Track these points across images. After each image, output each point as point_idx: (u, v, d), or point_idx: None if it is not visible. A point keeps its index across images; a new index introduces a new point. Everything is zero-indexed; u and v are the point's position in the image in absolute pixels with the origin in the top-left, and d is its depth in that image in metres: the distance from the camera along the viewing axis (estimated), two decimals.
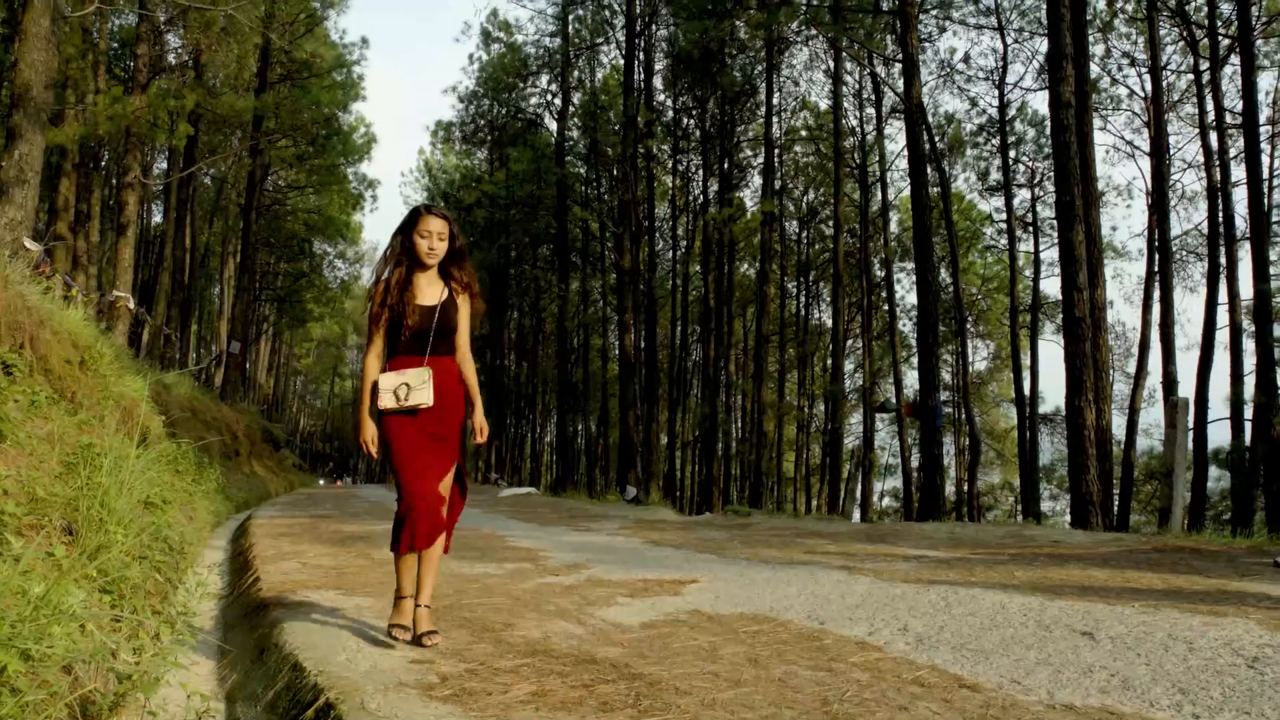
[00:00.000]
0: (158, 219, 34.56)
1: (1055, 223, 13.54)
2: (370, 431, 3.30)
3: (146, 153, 26.13)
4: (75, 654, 2.40)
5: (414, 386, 3.26)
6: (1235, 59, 19.18)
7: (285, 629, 3.50)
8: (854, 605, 4.14)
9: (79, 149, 19.91)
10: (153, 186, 26.86)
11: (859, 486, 27.63)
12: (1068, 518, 13.42)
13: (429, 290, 3.41)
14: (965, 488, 28.20)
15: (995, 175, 28.30)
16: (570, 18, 29.10)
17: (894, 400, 26.86)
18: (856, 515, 26.23)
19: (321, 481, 43.44)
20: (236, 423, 20.79)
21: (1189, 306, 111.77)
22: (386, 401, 3.25)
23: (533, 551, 6.70)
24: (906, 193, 26.84)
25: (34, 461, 4.22)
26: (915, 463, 25.86)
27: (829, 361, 31.20)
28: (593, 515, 11.74)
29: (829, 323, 32.78)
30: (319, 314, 43.89)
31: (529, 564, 5.87)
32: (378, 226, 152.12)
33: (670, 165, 31.75)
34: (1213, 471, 20.11)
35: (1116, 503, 18.12)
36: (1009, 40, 25.37)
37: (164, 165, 30.58)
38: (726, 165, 28.48)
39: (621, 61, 26.78)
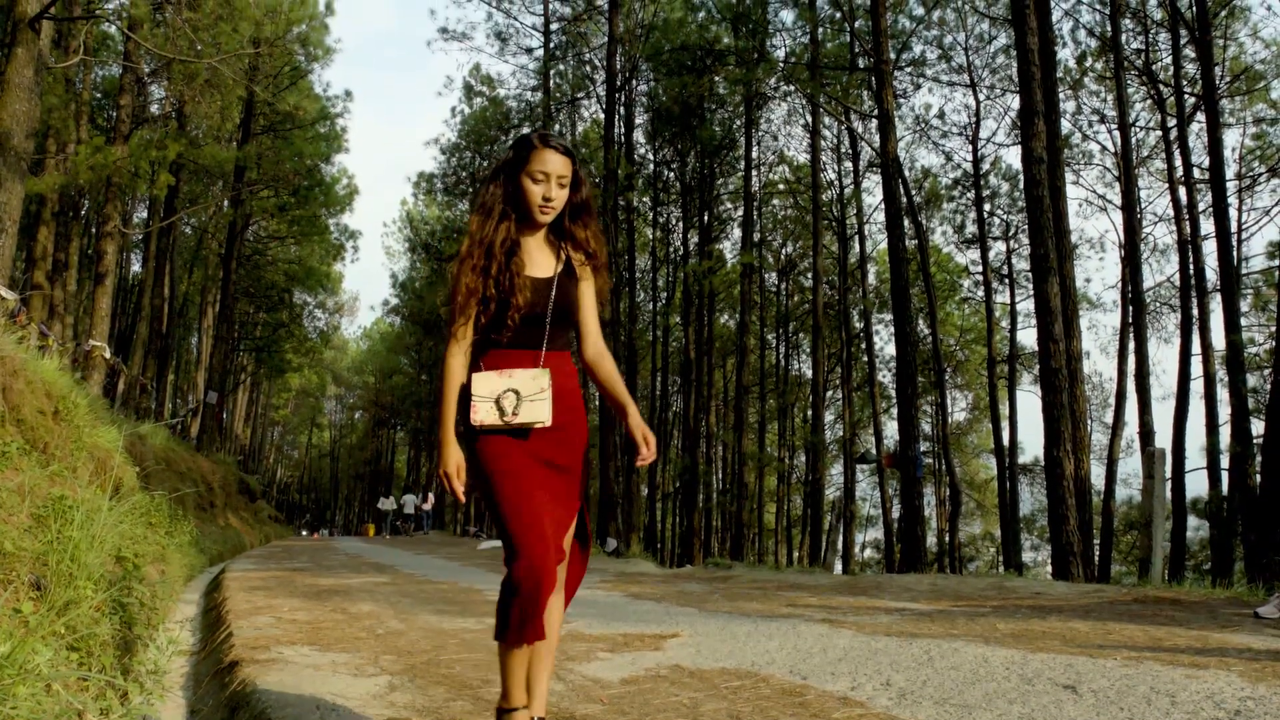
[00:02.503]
0: (136, 268, 34.48)
1: (1030, 275, 13.73)
2: (455, 459, 2.36)
3: (127, 202, 26.18)
4: (40, 715, 2.34)
5: (526, 395, 2.34)
6: (1201, 116, 19.68)
7: (258, 687, 3.43)
8: (836, 659, 4.10)
9: (59, 198, 19.89)
10: (132, 236, 26.82)
11: (840, 538, 27.53)
12: (1049, 568, 13.40)
13: (540, 257, 2.48)
14: (947, 539, 28.14)
15: (971, 228, 28.76)
16: (552, 72, 29.50)
17: (874, 451, 26.93)
18: (838, 567, 26.11)
19: (304, 532, 42.88)
20: (212, 474, 20.53)
21: (1164, 357, 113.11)
22: (485, 416, 2.33)
23: None
24: (884, 245, 27.19)
25: (3, 514, 4.15)
26: (896, 514, 25.82)
27: (809, 412, 31.25)
28: None
29: (809, 374, 32.91)
30: (298, 364, 43.64)
31: None
32: (358, 277, 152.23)
33: (651, 217, 32.05)
34: (1191, 521, 20.21)
35: (1097, 553, 18.14)
36: (981, 97, 25.98)
37: (144, 214, 30.56)
38: (706, 218, 28.77)
39: (602, 115, 27.10)
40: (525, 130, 32.87)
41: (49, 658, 2.66)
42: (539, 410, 2.35)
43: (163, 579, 6.57)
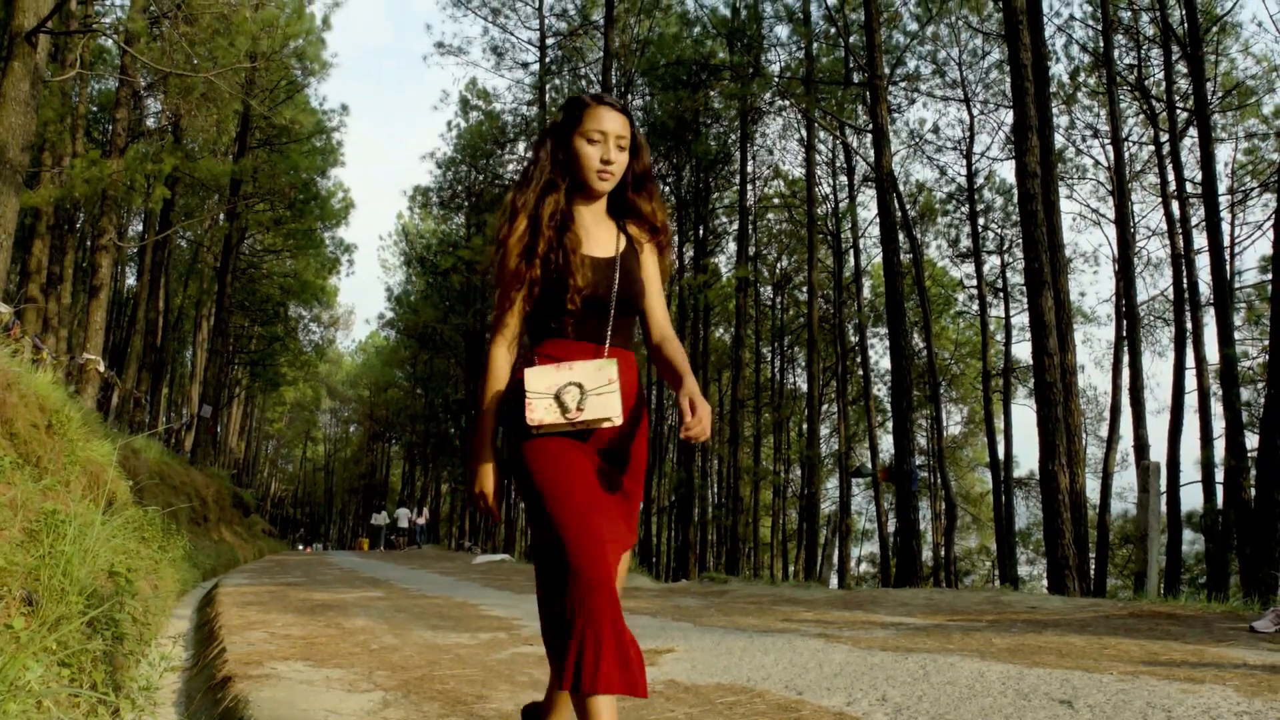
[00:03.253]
0: (131, 281, 34.41)
1: (1025, 289, 13.77)
2: (488, 482, 2.09)
3: (122, 215, 26.17)
4: None
5: (591, 389, 2.01)
6: (1193, 131, 19.80)
7: (250, 704, 3.41)
8: (832, 674, 4.09)
9: (54, 211, 19.88)
10: (127, 249, 26.81)
11: (836, 552, 27.50)
12: (1045, 582, 13.39)
13: (599, 234, 2.16)
14: (942, 552, 28.13)
15: (965, 242, 28.86)
16: (547, 87, 29.62)
17: (870, 465, 26.92)
18: (834, 581, 26.07)
19: (300, 546, 42.73)
20: (206, 488, 20.46)
21: (1158, 370, 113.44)
22: (544, 414, 2.00)
23: (507, 620, 6.59)
24: (879, 259, 27.28)
25: None
26: (892, 527, 25.82)
27: (804, 426, 31.27)
28: None
29: (804, 387, 32.95)
30: (292, 378, 43.60)
31: (503, 633, 5.77)
32: (354, 290, 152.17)
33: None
34: (1187, 535, 20.24)
35: (1093, 567, 18.14)
36: (975, 112, 26.11)
37: (139, 228, 30.55)
38: (702, 231, 28.84)
39: None
40: (520, 145, 33.11)
41: (40, 674, 2.64)
42: (608, 405, 2.01)
43: (156, 594, 6.54)
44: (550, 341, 2.10)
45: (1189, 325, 20.29)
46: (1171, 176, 21.44)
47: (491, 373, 2.12)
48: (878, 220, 17.35)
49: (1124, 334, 22.42)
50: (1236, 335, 18.84)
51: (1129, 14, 22.68)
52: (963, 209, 28.17)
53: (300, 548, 45.18)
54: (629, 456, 2.15)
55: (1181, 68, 20.98)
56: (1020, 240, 17.97)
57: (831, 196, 29.70)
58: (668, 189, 30.29)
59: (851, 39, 22.51)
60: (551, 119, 2.19)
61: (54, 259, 22.09)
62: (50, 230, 20.32)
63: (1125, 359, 21.97)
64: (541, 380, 2.02)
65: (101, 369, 17.96)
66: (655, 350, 2.25)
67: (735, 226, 28.06)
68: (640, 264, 2.19)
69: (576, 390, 2.01)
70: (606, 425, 2.04)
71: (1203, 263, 21.34)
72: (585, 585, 1.83)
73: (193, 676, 4.72)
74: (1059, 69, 24.16)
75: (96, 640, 3.63)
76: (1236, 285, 22.80)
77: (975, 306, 29.86)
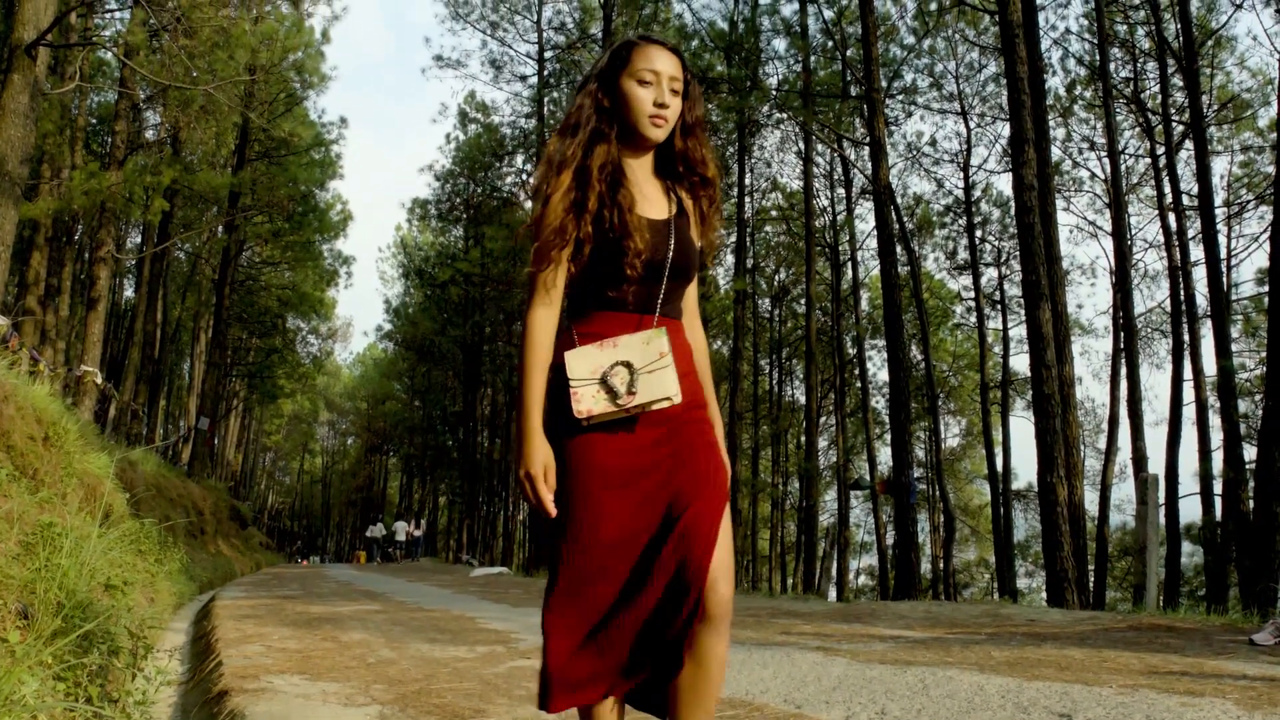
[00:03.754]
0: (129, 293, 34.44)
1: (1023, 301, 13.80)
2: (542, 455, 1.79)
3: (121, 227, 26.21)
4: None
5: (641, 367, 1.78)
6: (1190, 144, 19.87)
7: (247, 718, 3.39)
8: (830, 688, 4.07)
9: (52, 223, 19.90)
10: (126, 261, 26.82)
11: (834, 565, 27.46)
12: (1044, 595, 13.37)
13: (652, 192, 1.93)
14: (941, 565, 28.09)
15: (963, 254, 28.92)
16: (546, 99, 29.71)
17: (868, 477, 26.91)
18: (832, 594, 26.01)
19: (299, 559, 42.62)
20: (203, 500, 20.42)
21: (1156, 382, 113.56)
22: (593, 403, 1.78)
23: (504, 634, 6.57)
24: (877, 271, 27.33)
25: None
26: (890, 540, 25.78)
27: (803, 438, 31.25)
28: None
29: (802, 400, 32.94)
30: (290, 390, 43.54)
31: (501, 646, 5.75)
32: (352, 302, 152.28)
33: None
34: (1186, 547, 20.19)
35: (1092, 579, 18.11)
36: (972, 124, 26.20)
37: (138, 240, 30.59)
38: None
39: None
40: (519, 158, 33.17)
41: (35, 688, 2.63)
42: (663, 382, 1.77)
43: (152, 607, 6.52)
44: (592, 316, 1.86)
45: (1186, 338, 20.32)
46: (1168, 189, 21.51)
47: (535, 338, 1.82)
48: (875, 233, 17.36)
49: (1122, 346, 22.46)
50: (1234, 347, 18.87)
51: (1124, 28, 22.80)
52: (960, 221, 28.24)
53: (300, 561, 45.06)
54: (696, 446, 1.84)
55: (1177, 81, 21.08)
56: (1018, 252, 18.01)
57: (829, 209, 29.77)
58: None
59: (849, 52, 22.62)
60: (597, 63, 1.96)
61: (52, 271, 22.10)
62: (49, 242, 20.34)
63: (1123, 371, 22.02)
64: (584, 364, 1.79)
65: (99, 381, 17.94)
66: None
67: (733, 239, 28.11)
68: (689, 225, 1.96)
69: (625, 371, 1.77)
70: (666, 405, 1.79)
71: (1200, 275, 21.40)
72: (550, 613, 1.81)
73: (189, 690, 4.70)
74: (1055, 82, 24.31)
75: (92, 654, 3.61)
76: (1233, 298, 22.87)
77: (973, 319, 29.90)
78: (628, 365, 1.78)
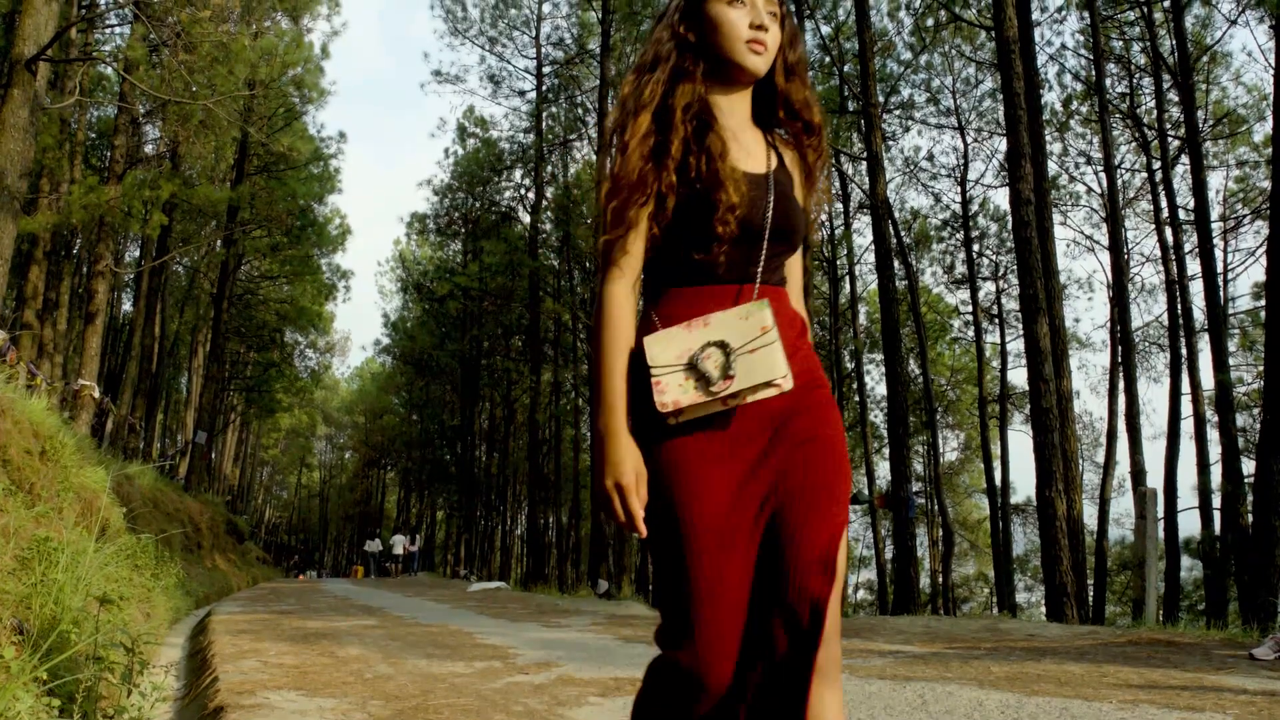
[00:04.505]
0: (127, 307, 34.44)
1: (1020, 315, 13.83)
2: (632, 461, 1.45)
3: (119, 241, 26.22)
4: None
5: (739, 346, 1.45)
6: (1185, 159, 19.95)
7: None
8: None
9: (51, 237, 19.92)
10: (124, 275, 26.83)
11: None
12: (1043, 609, 13.34)
13: (748, 140, 1.62)
14: (940, 579, 28.01)
15: (960, 268, 28.99)
16: (544, 114, 29.84)
17: (866, 491, 26.86)
18: None
19: (297, 574, 42.48)
20: (200, 515, 20.36)
21: (1154, 396, 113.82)
22: (680, 394, 1.45)
23: (502, 649, 6.54)
24: (875, 285, 27.39)
25: None
26: (889, 554, 25.72)
27: None
28: (563, 610, 11.52)
29: None
30: (288, 404, 43.46)
31: (498, 662, 5.72)
32: (350, 316, 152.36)
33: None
34: (1185, 561, 20.15)
35: (1091, 593, 18.08)
36: (969, 139, 26.31)
37: (136, 254, 30.60)
38: None
39: (594, 157, 27.34)
40: (517, 172, 33.21)
41: (30, 704, 2.62)
42: (767, 363, 1.44)
43: (148, 622, 6.49)
44: (676, 294, 1.55)
45: (1184, 351, 20.35)
46: (1165, 204, 21.58)
47: (612, 316, 1.51)
48: (873, 247, 17.42)
49: (1119, 360, 22.48)
50: (1231, 361, 18.88)
51: (1120, 44, 22.93)
52: (958, 235, 28.31)
53: (297, 575, 44.92)
54: (816, 442, 1.49)
55: (1173, 96, 21.19)
56: (1015, 266, 18.06)
57: (827, 223, 29.81)
58: None
59: (846, 68, 22.72)
60: None
61: (50, 285, 22.11)
62: (47, 256, 20.35)
63: (1121, 385, 22.05)
64: (669, 348, 1.48)
65: (96, 395, 17.92)
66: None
67: None
68: (792, 181, 1.64)
69: (719, 352, 1.45)
70: (772, 393, 1.46)
71: (1196, 289, 21.45)
72: (690, 655, 1.41)
73: (185, 706, 4.67)
74: (1051, 97, 24.40)
75: (88, 670, 3.59)
76: (1230, 312, 22.90)
77: (971, 333, 29.94)
78: (722, 345, 1.45)
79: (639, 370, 1.50)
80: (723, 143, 1.55)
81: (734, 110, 1.62)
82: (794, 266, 1.66)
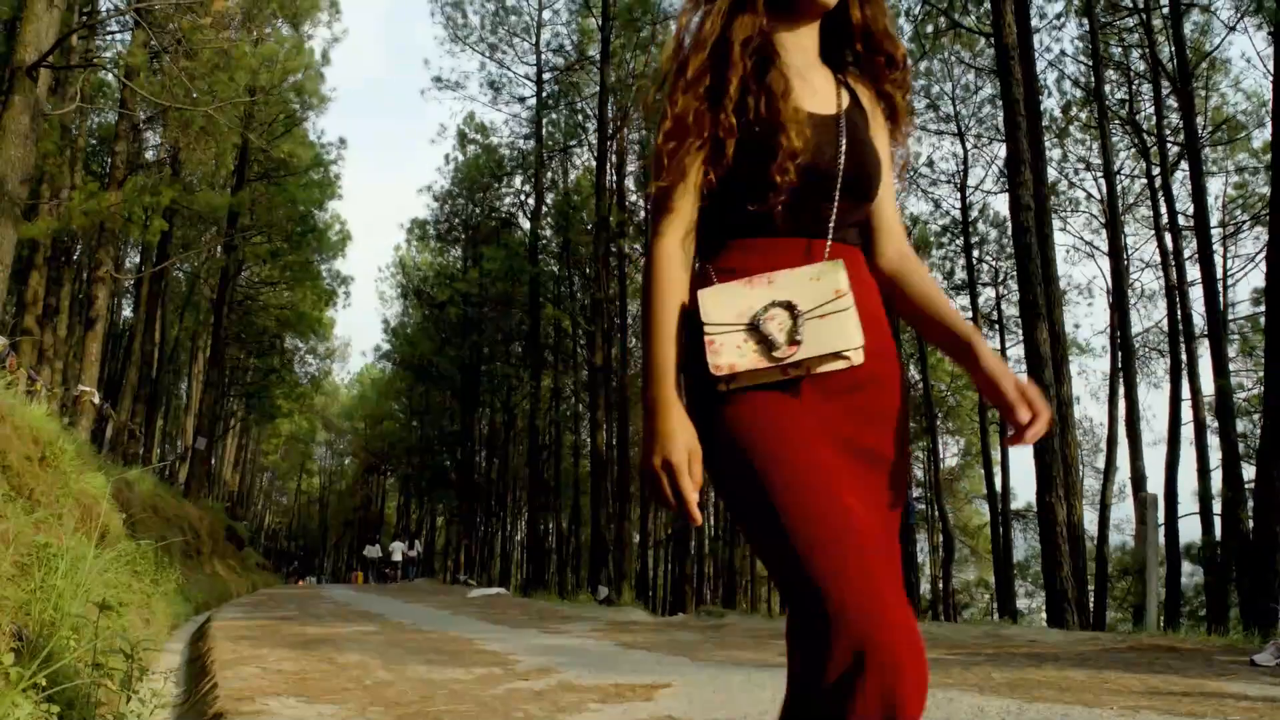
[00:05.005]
0: (128, 313, 34.43)
1: (1020, 321, 13.82)
2: (684, 438, 1.27)
3: (120, 247, 26.22)
4: None
5: (808, 310, 1.29)
6: (1185, 165, 19.97)
7: None
8: None
9: (51, 243, 19.93)
10: (124, 281, 26.84)
11: None
12: (1044, 615, 13.31)
13: (816, 78, 1.44)
14: (940, 585, 27.99)
15: (960, 274, 28.98)
16: (544, 121, 29.86)
17: None
18: None
19: (298, 581, 42.43)
20: (200, 520, 20.34)
21: (1154, 402, 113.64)
22: (737, 356, 1.29)
23: (502, 655, 6.53)
24: None
25: None
26: None
27: None
28: (564, 616, 11.50)
29: None
30: (288, 410, 43.48)
31: (498, 668, 5.72)
32: (350, 322, 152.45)
33: (642, 264, 32.20)
34: (1186, 567, 20.14)
35: (1092, 599, 18.05)
36: (969, 145, 26.34)
37: (136, 259, 30.62)
38: None
39: (594, 163, 27.41)
40: (517, 179, 33.23)
41: (29, 711, 2.61)
42: (840, 330, 1.28)
43: (147, 628, 6.48)
44: (735, 246, 1.38)
45: (1184, 357, 20.34)
46: (1164, 210, 21.59)
47: (663, 275, 1.36)
48: None
49: (1119, 366, 22.48)
50: (1231, 367, 18.88)
51: (1119, 50, 22.96)
52: (958, 241, 28.33)
53: (298, 581, 44.86)
54: (881, 414, 1.35)
55: (1172, 102, 21.22)
56: (1015, 272, 18.07)
57: None
58: None
59: None
60: None
61: (51, 291, 22.11)
62: (47, 262, 20.36)
63: (1121, 391, 22.04)
64: (727, 305, 1.31)
65: (96, 401, 17.92)
66: (894, 275, 1.48)
67: None
68: (868, 125, 1.45)
69: (784, 314, 1.28)
70: (840, 366, 1.30)
71: (1196, 295, 21.46)
72: (860, 633, 1.11)
73: (184, 713, 4.66)
74: (1051, 103, 24.41)
75: (87, 676, 3.59)
76: (1230, 317, 22.91)
77: None
78: (788, 307, 1.29)
79: (694, 327, 1.34)
80: (786, 80, 1.38)
81: (800, 46, 1.45)
82: (885, 215, 1.48)
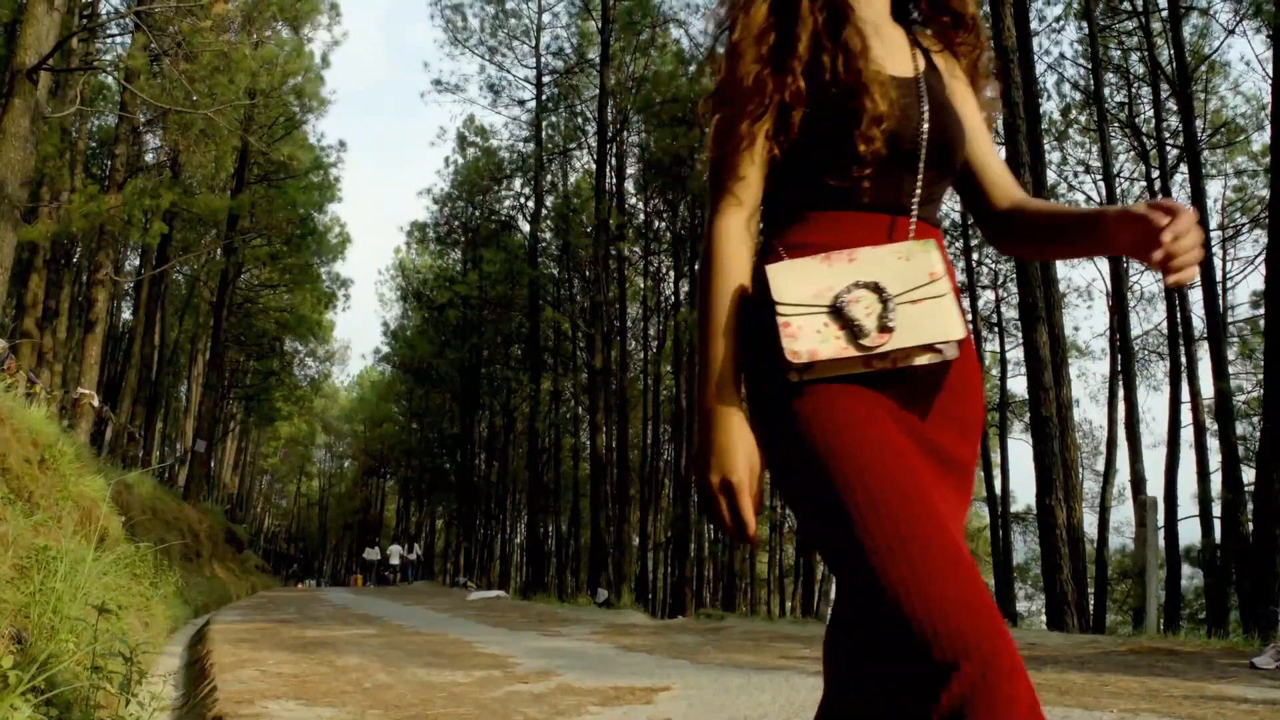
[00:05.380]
0: (127, 315, 34.43)
1: (1020, 323, 13.83)
2: (745, 451, 1.12)
3: (119, 250, 26.24)
4: None
5: (899, 293, 1.12)
6: (1184, 168, 19.99)
7: None
8: None
9: (51, 246, 19.93)
10: (124, 284, 26.84)
11: (833, 588, 27.31)
12: (1044, 618, 13.31)
13: (891, 38, 1.29)
14: None
15: (960, 276, 28.97)
16: (544, 124, 29.89)
17: None
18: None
19: (297, 584, 42.40)
20: (199, 523, 20.33)
21: (1153, 404, 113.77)
22: (817, 342, 1.10)
23: (501, 658, 6.52)
24: None
25: None
26: None
27: None
28: (563, 619, 11.49)
29: None
30: (287, 413, 43.45)
31: (497, 671, 5.71)
32: (350, 325, 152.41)
33: (642, 267, 32.26)
34: (1185, 570, 20.13)
35: (1092, 602, 18.04)
36: None
37: (136, 262, 30.65)
38: (698, 267, 28.96)
39: (594, 166, 27.42)
40: (517, 181, 33.21)
41: (28, 714, 2.61)
42: (937, 319, 1.12)
43: (146, 631, 6.48)
44: (807, 217, 1.21)
45: (1183, 359, 20.35)
46: None
47: (723, 260, 1.19)
48: None
49: (1119, 368, 22.48)
50: (1230, 370, 18.88)
51: (1119, 53, 22.98)
52: (957, 244, 28.33)
53: (297, 584, 44.82)
54: (965, 418, 1.21)
55: (1171, 105, 21.23)
56: (1014, 275, 18.08)
57: None
58: (663, 225, 30.47)
59: None
60: None
61: (50, 293, 22.12)
62: (47, 265, 20.36)
63: (1121, 393, 22.04)
64: (802, 283, 1.13)
65: (96, 403, 17.91)
66: (1011, 217, 1.30)
67: None
68: (946, 89, 1.29)
69: (872, 296, 1.11)
70: (932, 360, 1.14)
71: (1196, 297, 21.47)
72: (984, 679, 0.96)
73: (183, 716, 4.66)
74: (1050, 106, 24.43)
75: (86, 679, 3.58)
76: (1230, 320, 22.92)
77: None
78: (876, 289, 1.11)
79: (764, 307, 1.15)
80: (863, 38, 1.22)
81: (871, 1, 1.29)
82: (992, 166, 1.33)
